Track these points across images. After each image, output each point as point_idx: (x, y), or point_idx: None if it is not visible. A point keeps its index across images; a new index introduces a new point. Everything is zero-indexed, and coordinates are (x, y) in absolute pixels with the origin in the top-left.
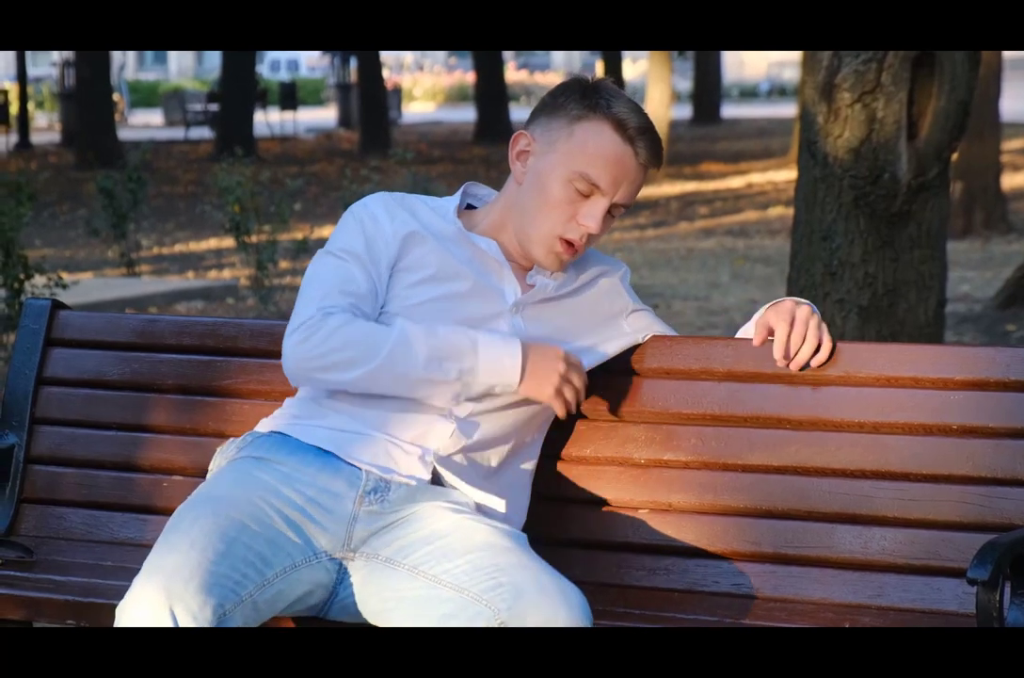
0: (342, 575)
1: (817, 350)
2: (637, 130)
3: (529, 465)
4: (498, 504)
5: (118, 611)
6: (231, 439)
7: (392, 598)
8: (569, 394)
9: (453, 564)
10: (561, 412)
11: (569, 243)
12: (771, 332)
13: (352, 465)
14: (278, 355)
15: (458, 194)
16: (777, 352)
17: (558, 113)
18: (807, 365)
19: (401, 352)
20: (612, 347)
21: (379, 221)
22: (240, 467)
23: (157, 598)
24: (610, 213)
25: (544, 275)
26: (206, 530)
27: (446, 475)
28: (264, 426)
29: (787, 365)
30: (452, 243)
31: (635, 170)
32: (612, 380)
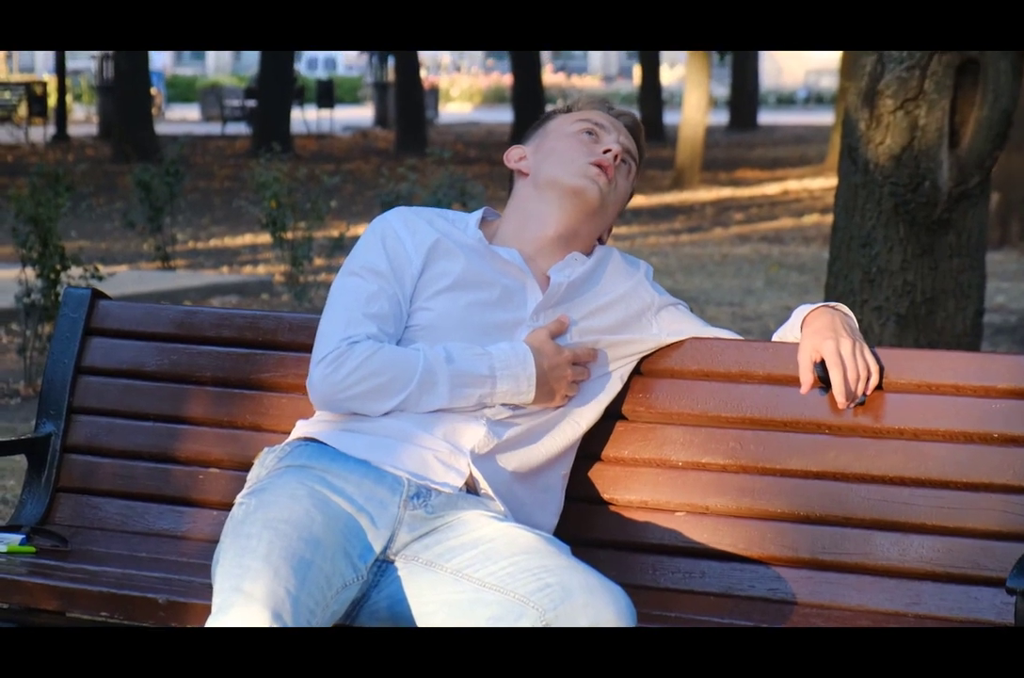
0: (377, 578)
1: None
2: (587, 102)
3: (564, 469)
4: (530, 508)
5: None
6: (267, 448)
7: (433, 601)
8: (573, 391)
9: (498, 566)
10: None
11: (600, 166)
12: (815, 367)
13: (391, 472)
14: None
15: (478, 211)
16: (840, 400)
17: (538, 125)
18: (864, 395)
19: (428, 382)
20: (640, 347)
21: (400, 236)
22: (288, 479)
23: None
24: (624, 162)
25: (560, 273)
26: (285, 555)
27: (480, 479)
28: (299, 432)
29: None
30: (475, 253)
31: (616, 124)
32: (650, 382)
